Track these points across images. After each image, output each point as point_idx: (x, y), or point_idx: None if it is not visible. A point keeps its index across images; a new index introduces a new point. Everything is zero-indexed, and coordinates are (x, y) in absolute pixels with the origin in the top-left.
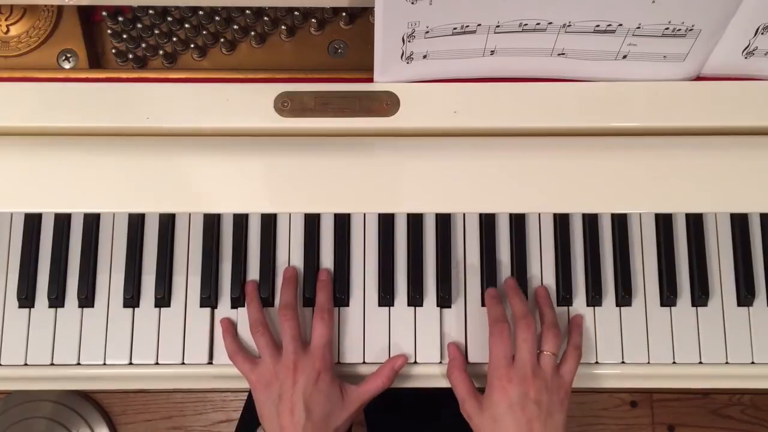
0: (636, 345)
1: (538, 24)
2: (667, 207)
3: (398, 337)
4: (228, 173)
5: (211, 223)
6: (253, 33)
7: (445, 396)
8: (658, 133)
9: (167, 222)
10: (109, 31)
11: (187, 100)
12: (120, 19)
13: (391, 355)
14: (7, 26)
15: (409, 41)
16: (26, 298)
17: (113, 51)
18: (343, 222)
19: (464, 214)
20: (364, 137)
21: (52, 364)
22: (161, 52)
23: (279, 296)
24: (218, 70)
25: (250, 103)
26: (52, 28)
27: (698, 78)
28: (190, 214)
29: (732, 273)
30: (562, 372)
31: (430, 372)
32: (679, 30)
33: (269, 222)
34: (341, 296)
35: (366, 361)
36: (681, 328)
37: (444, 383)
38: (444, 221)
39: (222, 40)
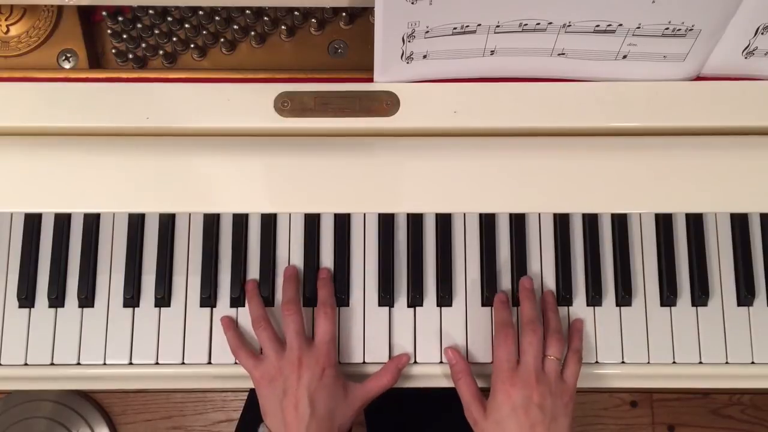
0: (636, 345)
1: (538, 24)
2: (667, 207)
3: (398, 337)
4: (228, 173)
5: (211, 223)
6: (253, 33)
7: (445, 396)
8: (658, 133)
9: (167, 222)
10: (109, 31)
11: (187, 100)
12: (120, 19)
13: (392, 355)
14: (7, 26)
15: (409, 41)
16: (26, 298)
17: (113, 51)
18: (343, 222)
19: (464, 214)
20: (364, 137)
21: (52, 364)
22: (161, 52)
23: (281, 294)
24: (218, 70)
25: (250, 103)
26: (52, 28)
27: (698, 78)
28: (190, 214)
29: (732, 273)
30: (565, 377)
31: (430, 372)
32: (679, 30)
33: (269, 222)
34: (341, 296)
35: (366, 361)
36: (681, 328)
37: (444, 383)
38: (444, 221)
39: (222, 40)
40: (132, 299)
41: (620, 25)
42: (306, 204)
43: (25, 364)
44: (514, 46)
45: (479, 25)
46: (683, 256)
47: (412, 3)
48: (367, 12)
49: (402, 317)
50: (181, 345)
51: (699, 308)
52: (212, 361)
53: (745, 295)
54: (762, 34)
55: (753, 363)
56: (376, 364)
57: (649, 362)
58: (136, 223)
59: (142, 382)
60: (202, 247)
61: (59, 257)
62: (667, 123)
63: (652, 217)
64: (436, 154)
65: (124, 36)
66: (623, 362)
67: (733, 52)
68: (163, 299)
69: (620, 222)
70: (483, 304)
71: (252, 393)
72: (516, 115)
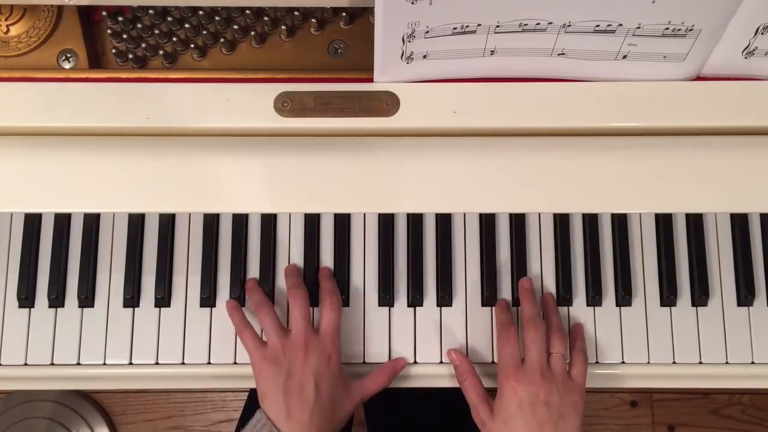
0: (636, 345)
1: (538, 24)
2: (667, 207)
3: (398, 337)
4: (228, 173)
5: (211, 223)
6: (253, 33)
7: (445, 396)
8: (658, 133)
9: (167, 222)
10: (109, 31)
11: (187, 100)
12: (120, 19)
13: (392, 355)
14: (7, 26)
15: (409, 41)
16: (26, 298)
17: (113, 51)
18: (343, 222)
19: (464, 214)
20: (364, 137)
21: (52, 364)
22: (161, 52)
23: (278, 295)
24: (218, 70)
25: (250, 103)
26: (52, 28)
27: (698, 78)
28: (190, 214)
29: (732, 273)
30: (573, 375)
31: (430, 372)
32: (679, 30)
33: (269, 222)
34: (341, 296)
35: (366, 361)
36: (681, 328)
37: (444, 383)
38: (444, 221)
39: (222, 40)
40: (132, 299)
41: (620, 25)
42: (306, 204)
43: (25, 364)
44: (514, 46)
45: (479, 25)
46: (683, 256)
47: (412, 3)
48: (367, 12)
49: (402, 317)
50: (181, 345)
51: (699, 308)
52: (212, 361)
53: (745, 295)
54: (762, 34)
55: (753, 363)
56: (375, 364)
57: (649, 362)
58: (136, 223)
59: (142, 382)
60: (202, 247)
61: (59, 257)
62: (667, 123)
63: (652, 217)
64: (436, 154)
65: (124, 36)
66: (623, 362)
67: (733, 52)
68: (163, 299)
69: (620, 222)
70: (483, 304)
71: (252, 393)
72: (516, 115)
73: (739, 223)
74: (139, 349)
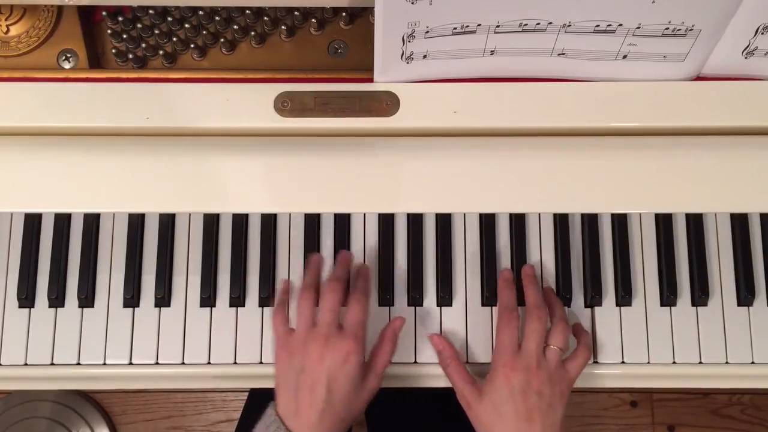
0: (636, 345)
1: (538, 24)
2: (667, 207)
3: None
4: (228, 173)
5: (211, 223)
6: (253, 33)
7: (445, 396)
8: (658, 133)
9: (167, 222)
10: (109, 31)
11: (186, 100)
12: (120, 19)
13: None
14: (7, 26)
15: (409, 41)
16: (26, 298)
17: (113, 51)
18: (343, 222)
19: (464, 214)
20: (364, 137)
21: (52, 364)
22: (161, 52)
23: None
24: (218, 70)
25: (250, 103)
26: (52, 28)
27: (698, 78)
28: (190, 214)
29: (732, 273)
30: (568, 367)
31: (430, 372)
32: (679, 30)
33: (269, 222)
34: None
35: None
36: (681, 328)
37: (444, 383)
38: (444, 221)
39: (222, 40)
40: (132, 299)
41: (620, 25)
42: (306, 204)
43: (25, 364)
44: (514, 46)
45: (479, 25)
46: (683, 256)
47: (412, 3)
48: (367, 12)
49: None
50: (181, 345)
51: (699, 308)
52: (212, 361)
53: (745, 295)
54: (762, 34)
55: (753, 363)
56: None
57: (649, 362)
58: (136, 223)
59: (142, 382)
60: (202, 247)
61: (59, 257)
62: (667, 123)
63: (652, 217)
64: (436, 154)
65: (124, 36)
66: (623, 362)
67: (733, 52)
68: (163, 299)
69: (620, 222)
70: (483, 304)
71: (252, 393)
72: (516, 115)
73: (739, 223)
74: (139, 349)
